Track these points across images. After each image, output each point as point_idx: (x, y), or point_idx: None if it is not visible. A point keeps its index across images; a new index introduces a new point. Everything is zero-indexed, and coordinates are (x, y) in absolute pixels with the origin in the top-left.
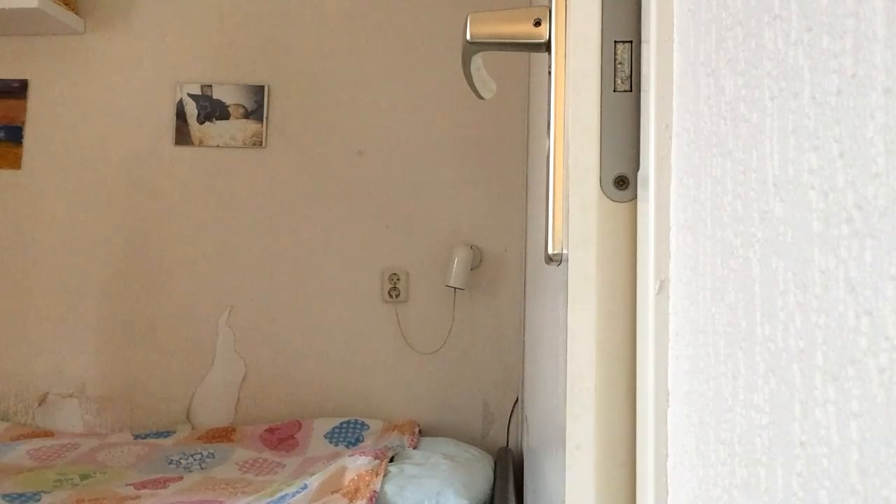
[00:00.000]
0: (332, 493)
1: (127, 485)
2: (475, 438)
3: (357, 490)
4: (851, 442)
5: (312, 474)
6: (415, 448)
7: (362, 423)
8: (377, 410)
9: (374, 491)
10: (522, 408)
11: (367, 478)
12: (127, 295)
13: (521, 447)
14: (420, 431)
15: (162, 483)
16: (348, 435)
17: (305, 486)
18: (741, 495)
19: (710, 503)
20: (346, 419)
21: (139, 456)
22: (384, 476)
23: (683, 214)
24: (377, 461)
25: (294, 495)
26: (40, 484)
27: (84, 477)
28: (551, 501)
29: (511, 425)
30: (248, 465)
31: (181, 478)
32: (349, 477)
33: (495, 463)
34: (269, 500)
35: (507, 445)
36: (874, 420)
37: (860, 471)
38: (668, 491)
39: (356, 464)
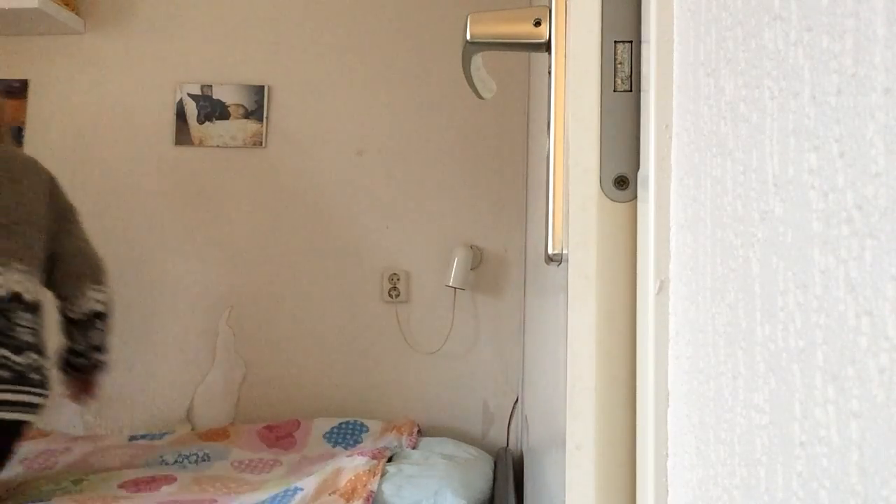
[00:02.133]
0: (330, 494)
1: (120, 486)
2: (475, 438)
3: (354, 490)
4: (851, 442)
5: (308, 475)
6: (414, 448)
7: (361, 424)
8: (377, 410)
9: (371, 491)
10: (522, 408)
11: (364, 478)
12: (127, 295)
13: (521, 447)
14: (420, 432)
15: (156, 484)
16: (347, 436)
17: (299, 490)
18: (741, 495)
19: (710, 503)
20: (345, 420)
21: (133, 457)
22: (382, 476)
23: (683, 214)
24: (374, 461)
25: (285, 497)
26: (33, 495)
27: (77, 482)
28: (551, 501)
29: (511, 425)
30: (244, 465)
31: (175, 478)
32: (346, 477)
33: (495, 463)
34: (260, 499)
35: (507, 445)
36: (874, 420)
37: (860, 471)
38: (668, 491)
39: (353, 464)
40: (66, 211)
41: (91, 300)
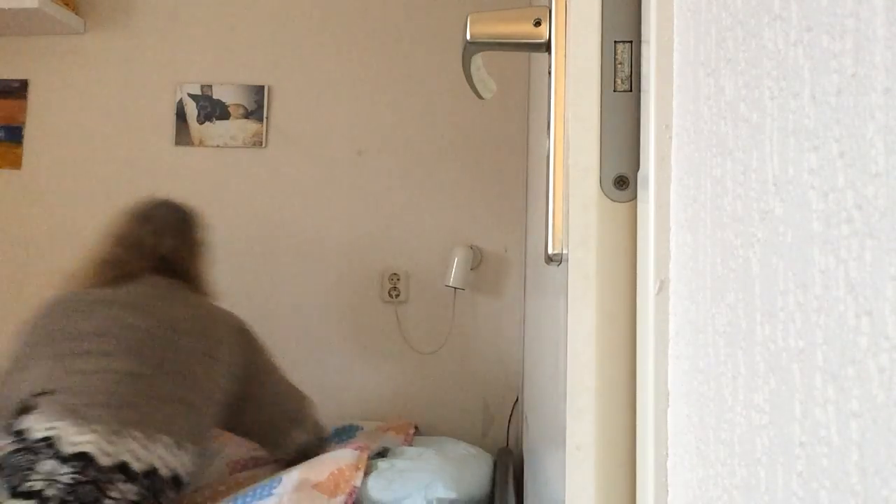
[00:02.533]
0: (312, 487)
1: None
2: (475, 438)
3: (336, 486)
4: (851, 442)
5: (291, 470)
6: (410, 446)
7: (359, 427)
8: (376, 411)
9: (354, 486)
10: (522, 408)
11: (346, 473)
12: None
13: (521, 447)
14: (418, 431)
15: None
16: (344, 438)
17: (279, 482)
18: (741, 495)
19: (710, 503)
20: (341, 425)
21: None
22: (372, 471)
23: (683, 214)
24: (358, 453)
25: (266, 488)
26: None
27: None
28: (551, 501)
29: (511, 425)
30: (239, 465)
31: None
32: (329, 471)
33: (495, 463)
34: (242, 497)
35: (507, 445)
36: (874, 420)
37: (860, 471)
38: (668, 491)
39: (336, 457)
40: (257, 363)
41: (294, 442)
